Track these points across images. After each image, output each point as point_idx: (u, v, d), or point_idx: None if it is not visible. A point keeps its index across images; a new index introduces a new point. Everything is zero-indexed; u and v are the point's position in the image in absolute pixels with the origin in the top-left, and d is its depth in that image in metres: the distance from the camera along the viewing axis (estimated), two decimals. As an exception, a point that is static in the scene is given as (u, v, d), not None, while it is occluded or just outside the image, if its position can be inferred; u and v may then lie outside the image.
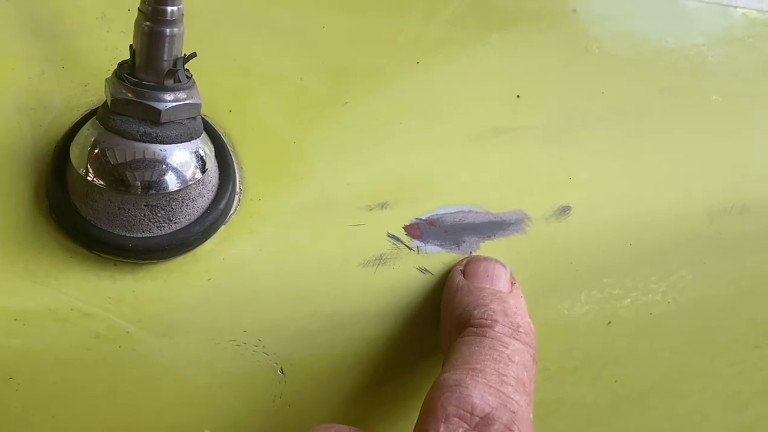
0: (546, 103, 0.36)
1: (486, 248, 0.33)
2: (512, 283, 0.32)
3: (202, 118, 0.32)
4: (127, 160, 0.29)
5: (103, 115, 0.30)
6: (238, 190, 0.32)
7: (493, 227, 0.33)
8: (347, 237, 0.32)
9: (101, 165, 0.29)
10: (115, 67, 0.30)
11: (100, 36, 0.33)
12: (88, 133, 0.30)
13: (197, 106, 0.30)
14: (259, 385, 0.31)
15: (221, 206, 0.31)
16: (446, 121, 0.35)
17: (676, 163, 0.36)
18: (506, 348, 0.29)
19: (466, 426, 0.26)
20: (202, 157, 0.30)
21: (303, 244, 0.32)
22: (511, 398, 0.27)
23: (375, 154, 0.34)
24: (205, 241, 0.31)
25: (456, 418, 0.26)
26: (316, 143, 0.34)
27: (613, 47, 0.38)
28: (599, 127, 0.36)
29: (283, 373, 0.31)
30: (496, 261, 0.32)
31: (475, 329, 0.29)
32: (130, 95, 0.29)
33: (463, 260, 0.32)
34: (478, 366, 0.28)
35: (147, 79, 0.29)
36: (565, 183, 0.35)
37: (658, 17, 0.39)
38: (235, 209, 0.32)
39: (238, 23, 0.35)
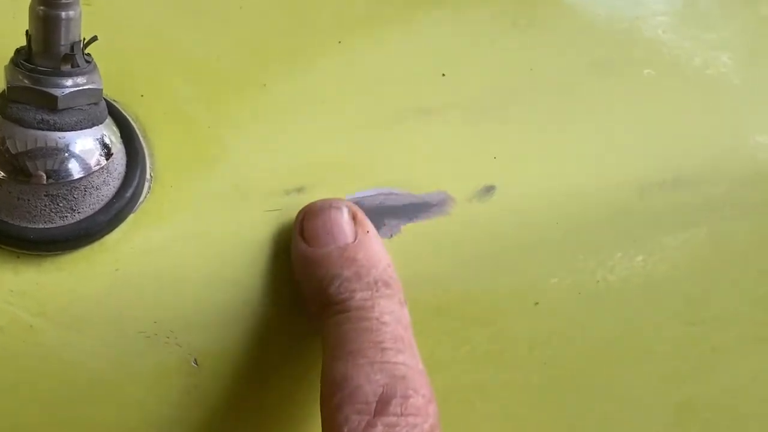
0: (472, 80, 0.35)
1: (408, 231, 0.33)
2: (355, 220, 0.30)
3: (111, 103, 0.31)
4: (27, 148, 0.28)
5: (1, 103, 0.29)
6: (148, 177, 0.31)
7: (415, 209, 0.33)
8: (263, 223, 0.32)
9: (0, 155, 0.28)
10: (16, 54, 0.29)
11: (6, 22, 0.32)
12: (-14, 123, 0.29)
13: (98, 91, 0.29)
14: (173, 377, 0.30)
15: (128, 194, 0.30)
16: (368, 101, 0.34)
17: (606, 138, 0.36)
18: (372, 312, 0.29)
19: (367, 417, 0.26)
20: (106, 144, 0.30)
21: (217, 231, 0.31)
22: (396, 364, 0.27)
23: (293, 137, 0.33)
24: (112, 230, 0.30)
25: (355, 415, 0.26)
26: (232, 127, 0.33)
27: (542, 21, 0.37)
28: (526, 104, 0.35)
29: (197, 364, 0.30)
30: (331, 206, 0.30)
31: (337, 306, 0.29)
32: (26, 82, 0.28)
33: (299, 217, 0.31)
34: (355, 346, 0.28)
35: (43, 65, 0.28)
36: (489, 162, 0.34)
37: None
38: (145, 197, 0.31)
39: (151, 3, 0.34)
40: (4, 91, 0.29)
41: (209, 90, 0.33)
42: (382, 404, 0.26)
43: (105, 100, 0.30)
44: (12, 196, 0.29)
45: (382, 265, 0.30)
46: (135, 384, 0.30)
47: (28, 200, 0.29)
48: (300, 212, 0.31)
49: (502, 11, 0.37)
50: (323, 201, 0.31)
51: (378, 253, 0.30)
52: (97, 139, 0.29)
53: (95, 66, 0.29)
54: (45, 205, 0.29)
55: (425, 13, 0.37)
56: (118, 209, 0.30)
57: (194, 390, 0.30)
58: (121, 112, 0.32)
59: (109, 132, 0.30)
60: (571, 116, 0.35)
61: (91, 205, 0.29)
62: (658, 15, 0.38)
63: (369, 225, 0.31)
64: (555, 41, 0.37)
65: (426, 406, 0.27)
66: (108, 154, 0.29)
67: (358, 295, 0.29)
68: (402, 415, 0.26)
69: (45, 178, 0.29)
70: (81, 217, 0.29)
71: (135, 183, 0.30)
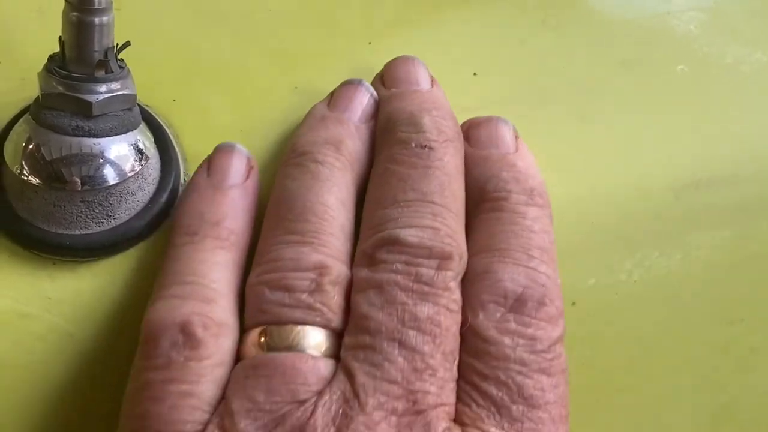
0: (503, 80, 0.35)
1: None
2: (516, 138, 0.32)
3: (143, 108, 0.31)
4: (62, 155, 0.28)
5: (35, 110, 0.29)
6: (182, 182, 0.31)
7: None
8: (297, 226, 0.31)
9: (35, 162, 0.29)
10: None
11: (36, 30, 0.33)
12: (21, 130, 0.29)
13: (132, 96, 0.29)
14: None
15: (163, 199, 0.30)
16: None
17: (641, 137, 0.35)
18: (525, 219, 0.29)
19: (502, 309, 0.27)
20: (141, 149, 0.30)
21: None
22: (539, 272, 0.28)
23: (325, 139, 0.33)
24: (148, 236, 0.30)
25: (492, 304, 0.27)
26: (264, 131, 0.33)
27: (572, 20, 0.37)
28: (559, 103, 0.35)
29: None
30: (498, 119, 0.32)
31: (490, 204, 0.30)
32: (60, 88, 0.28)
33: (465, 125, 0.32)
34: (503, 245, 0.29)
35: (77, 72, 0.28)
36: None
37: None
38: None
39: (180, 9, 0.34)
40: (38, 97, 0.29)
41: (240, 93, 0.33)
42: (520, 303, 0.27)
43: (138, 105, 0.30)
44: (48, 203, 0.29)
45: (539, 179, 0.31)
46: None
47: (64, 207, 0.29)
48: (466, 122, 0.32)
49: (531, 10, 0.37)
50: (491, 116, 0.32)
51: (535, 167, 0.31)
52: (132, 145, 0.29)
53: (129, 72, 0.29)
54: (81, 211, 0.29)
55: (454, 13, 0.36)
56: (153, 214, 0.30)
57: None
58: (153, 117, 0.32)
59: (143, 137, 0.30)
60: (604, 115, 0.35)
61: (126, 210, 0.29)
62: (690, 10, 0.38)
63: (526, 146, 0.32)
64: (586, 40, 0.37)
65: (558, 318, 0.28)
66: (143, 160, 0.29)
67: (513, 197, 0.30)
68: (535, 318, 0.27)
69: (80, 184, 0.29)
70: (117, 223, 0.29)
71: (170, 188, 0.30)
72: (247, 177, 0.30)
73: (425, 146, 0.29)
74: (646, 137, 0.35)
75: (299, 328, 0.27)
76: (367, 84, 0.32)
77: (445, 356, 0.26)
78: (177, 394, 0.26)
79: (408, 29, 0.36)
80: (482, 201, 0.30)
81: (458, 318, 0.27)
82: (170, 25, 0.34)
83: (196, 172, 0.31)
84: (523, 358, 0.27)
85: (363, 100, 0.32)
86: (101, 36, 0.28)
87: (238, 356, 0.27)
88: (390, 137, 0.30)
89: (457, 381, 0.27)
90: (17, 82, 0.32)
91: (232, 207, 0.29)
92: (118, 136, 0.29)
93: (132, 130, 0.29)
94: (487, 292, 0.28)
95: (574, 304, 0.33)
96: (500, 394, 0.26)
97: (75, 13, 0.28)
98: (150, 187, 0.30)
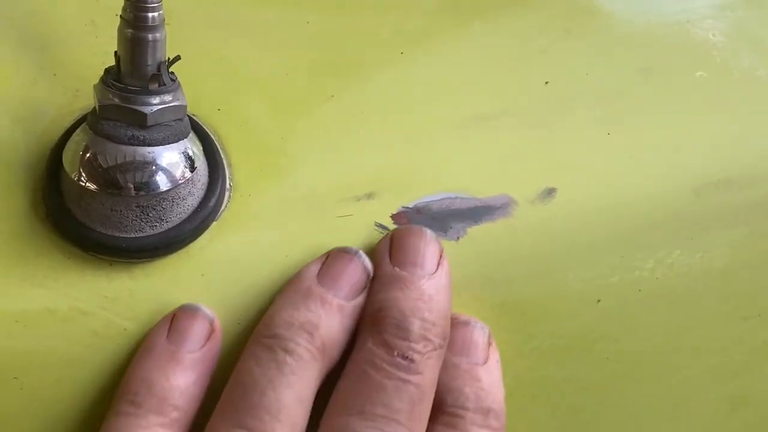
0: (528, 87, 0.37)
1: (474, 233, 0.34)
2: (490, 344, 0.32)
3: (190, 117, 0.33)
4: (118, 163, 0.30)
5: (92, 120, 0.31)
6: (228, 186, 0.33)
7: (479, 212, 0.34)
8: (336, 228, 0.33)
9: (93, 169, 0.30)
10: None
11: (90, 42, 0.34)
12: (79, 139, 0.31)
13: (183, 107, 0.31)
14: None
15: (211, 203, 0.32)
16: (430, 109, 0.36)
17: (661, 139, 0.37)
18: None
19: None
20: (190, 157, 0.31)
21: (293, 237, 0.33)
22: None
23: (361, 145, 0.35)
24: (196, 238, 0.32)
25: None
26: (303, 138, 0.34)
27: (594, 28, 0.39)
28: (581, 109, 0.37)
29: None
30: (475, 325, 0.32)
31: (447, 418, 0.30)
32: (116, 100, 0.30)
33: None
34: None
35: (132, 84, 0.30)
36: (549, 166, 0.35)
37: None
38: (226, 206, 0.33)
39: (223, 23, 0.36)
40: (95, 108, 0.30)
41: (280, 103, 0.35)
42: None
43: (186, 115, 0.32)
44: (105, 208, 0.31)
45: (499, 399, 0.31)
46: (222, 384, 0.31)
47: (120, 211, 0.31)
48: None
49: (554, 19, 0.39)
50: (470, 318, 0.32)
51: (500, 383, 0.32)
52: (182, 153, 0.31)
53: (179, 84, 0.31)
54: (136, 215, 0.31)
55: (482, 23, 0.38)
56: (202, 218, 0.32)
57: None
58: (201, 126, 0.33)
59: (192, 145, 0.32)
60: (625, 119, 0.37)
61: (178, 214, 0.31)
62: (708, 18, 0.40)
63: (497, 356, 0.32)
64: (607, 47, 0.38)
65: None
66: (192, 167, 0.31)
67: (469, 416, 0.30)
68: None
69: (134, 190, 0.30)
70: (169, 226, 0.31)
71: (217, 193, 0.32)
72: (206, 342, 0.30)
73: (407, 357, 0.29)
74: (666, 141, 0.37)
75: None
76: (363, 256, 0.31)
77: None
78: None
79: (437, 39, 0.37)
80: (439, 411, 0.31)
81: None
82: (214, 38, 0.35)
83: (155, 330, 0.30)
84: None
85: (354, 275, 0.31)
86: (154, 51, 0.30)
87: None
88: (375, 335, 0.30)
89: None
90: (72, 93, 0.33)
91: (183, 379, 0.29)
92: (170, 145, 0.31)
93: (183, 139, 0.31)
94: None
95: (599, 301, 0.35)
96: None
97: (130, 30, 0.29)
98: (199, 192, 0.32)
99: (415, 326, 0.30)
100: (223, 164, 0.33)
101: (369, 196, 0.34)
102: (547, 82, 0.37)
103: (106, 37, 0.34)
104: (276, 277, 0.32)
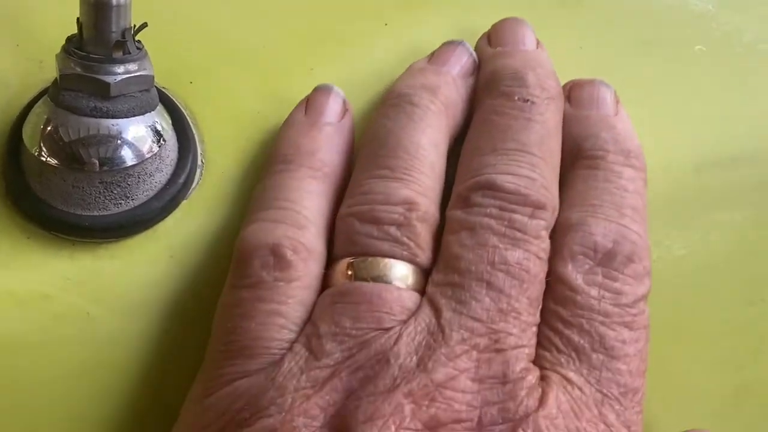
0: (521, 60, 0.35)
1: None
2: (617, 102, 0.32)
3: (161, 90, 0.31)
4: (81, 136, 0.29)
5: (53, 92, 0.29)
6: (199, 163, 0.31)
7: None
8: (315, 207, 0.31)
9: (54, 143, 0.29)
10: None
11: (55, 10, 0.33)
12: (39, 111, 0.29)
13: (149, 77, 0.29)
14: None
15: (181, 180, 0.30)
16: (417, 83, 0.34)
17: (659, 116, 0.35)
18: (620, 178, 0.30)
19: (591, 263, 0.28)
20: (158, 131, 0.30)
21: (269, 216, 0.31)
22: (630, 229, 0.29)
23: (342, 120, 0.33)
24: (165, 217, 0.30)
25: (581, 256, 0.28)
26: (280, 112, 0.33)
27: (591, 0, 0.37)
28: (577, 82, 0.35)
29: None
30: (600, 82, 0.32)
31: (587, 161, 0.30)
32: (78, 70, 0.28)
33: (566, 86, 0.33)
34: (596, 202, 0.29)
35: (95, 53, 0.28)
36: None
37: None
38: (198, 183, 0.31)
39: (198, -8, 0.34)
40: (56, 79, 0.29)
41: (257, 75, 0.33)
42: (608, 258, 0.28)
43: (155, 87, 0.30)
44: (67, 184, 0.29)
45: (636, 143, 0.31)
46: (190, 370, 0.30)
47: (83, 188, 0.29)
48: (568, 83, 0.33)
49: (549, -10, 0.37)
50: (593, 78, 0.33)
51: (633, 131, 0.32)
52: (149, 126, 0.29)
53: (146, 53, 0.29)
54: (99, 192, 0.29)
55: (471, -7, 0.36)
56: (171, 195, 0.30)
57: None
58: (171, 99, 0.32)
59: (160, 119, 0.30)
60: (622, 95, 0.34)
61: (144, 192, 0.30)
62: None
63: (625, 112, 0.32)
64: (604, 20, 0.37)
65: (644, 276, 0.29)
66: (160, 141, 0.29)
67: (611, 157, 0.30)
68: (623, 273, 0.28)
69: (98, 165, 0.29)
70: (135, 204, 0.29)
71: (187, 169, 0.30)
72: (342, 117, 0.31)
73: (528, 100, 0.30)
74: (664, 118, 0.35)
75: (386, 260, 0.28)
76: (468, 45, 0.33)
77: (531, 301, 0.27)
78: (266, 313, 0.27)
79: (424, 9, 0.35)
80: (579, 158, 0.31)
81: (545, 267, 0.28)
82: (187, 6, 0.34)
83: (294, 110, 0.32)
84: (607, 309, 0.28)
85: (462, 57, 0.33)
86: (118, 17, 0.28)
87: (326, 284, 0.28)
88: (493, 90, 0.31)
89: (540, 326, 0.28)
90: (36, 64, 0.32)
91: (326, 142, 0.30)
92: (136, 118, 0.29)
93: (150, 112, 0.29)
94: (578, 243, 0.28)
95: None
96: (582, 341, 0.27)
97: (92, -6, 0.28)
98: (168, 169, 0.30)
99: (530, 76, 0.31)
100: (194, 139, 0.31)
101: (350, 173, 0.32)
102: (539, 55, 0.35)
103: (73, 5, 0.32)
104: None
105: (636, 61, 0.36)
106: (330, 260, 0.29)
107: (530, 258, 0.28)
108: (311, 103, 0.31)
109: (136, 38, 0.29)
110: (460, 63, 0.32)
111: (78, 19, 0.28)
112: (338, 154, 0.31)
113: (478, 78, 0.32)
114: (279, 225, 0.28)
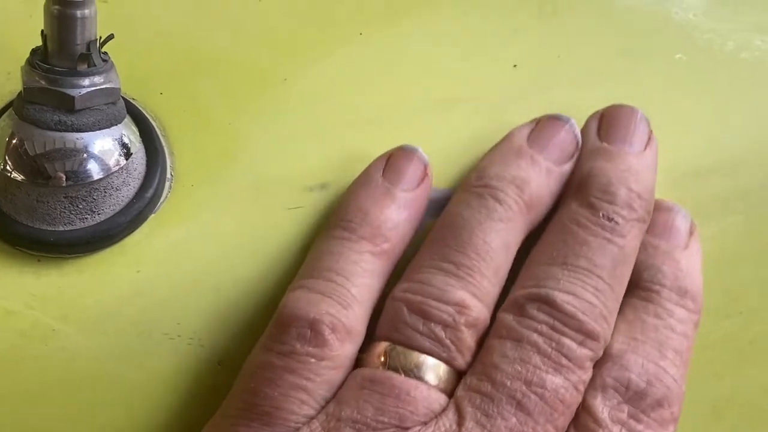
0: (498, 70, 0.35)
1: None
2: (691, 234, 0.31)
3: (129, 101, 0.31)
4: (45, 150, 0.28)
5: (17, 105, 0.29)
6: (168, 176, 0.31)
7: (438, 205, 0.32)
8: (285, 221, 0.31)
9: (18, 157, 0.28)
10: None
11: (23, 21, 0.32)
12: (4, 125, 0.29)
13: (116, 90, 0.29)
14: (197, 378, 0.30)
15: (149, 194, 0.30)
16: (391, 94, 0.34)
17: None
18: (670, 317, 0.29)
19: (620, 398, 0.28)
20: (125, 144, 0.29)
21: (239, 230, 0.31)
22: (668, 372, 0.28)
23: (315, 131, 0.33)
24: (132, 231, 0.30)
25: (612, 390, 0.28)
26: (253, 123, 0.32)
27: (568, 8, 0.36)
28: (554, 92, 0.34)
29: (221, 365, 0.30)
30: (679, 211, 0.32)
31: (642, 292, 0.30)
32: (43, 83, 0.28)
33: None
34: (640, 337, 0.29)
35: (60, 65, 0.28)
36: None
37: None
38: (166, 197, 0.31)
39: (168, 0, 0.34)
40: (20, 92, 0.28)
41: (229, 86, 0.33)
42: (638, 397, 0.28)
43: (123, 98, 0.30)
44: (31, 199, 0.28)
45: (697, 282, 0.31)
46: (158, 386, 0.29)
47: (48, 203, 0.28)
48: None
49: (527, -2, 0.36)
50: (673, 204, 0.32)
51: (698, 267, 0.31)
52: (116, 139, 0.29)
53: (112, 65, 0.29)
54: (65, 207, 0.29)
55: (449, 3, 0.36)
56: (138, 210, 0.29)
57: (219, 391, 0.30)
58: (140, 111, 0.31)
59: (128, 131, 0.29)
60: (601, 104, 0.34)
61: (111, 206, 0.29)
62: (690, -2, 0.37)
63: (698, 245, 0.32)
64: (582, 28, 0.36)
65: (670, 423, 0.28)
66: (127, 154, 0.29)
67: (665, 293, 0.30)
68: (648, 416, 0.28)
69: (64, 179, 0.28)
70: (101, 219, 0.29)
71: (155, 183, 0.30)
72: (420, 184, 0.30)
73: (612, 219, 0.29)
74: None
75: (424, 357, 0.27)
76: (574, 124, 0.32)
77: (556, 430, 0.27)
78: (291, 385, 0.27)
79: (399, 19, 0.35)
80: (635, 287, 0.30)
81: (580, 399, 0.28)
82: (157, 16, 0.33)
83: (372, 168, 0.31)
84: None
85: (564, 141, 0.31)
86: (83, 29, 0.28)
87: (358, 362, 0.28)
88: (580, 197, 0.30)
89: None
90: (3, 77, 0.31)
91: (396, 214, 0.30)
92: (102, 131, 0.29)
93: (116, 124, 0.29)
94: (612, 377, 0.28)
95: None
96: None
97: (57, 6, 0.27)
98: (135, 182, 0.30)
99: (622, 192, 0.30)
100: (163, 152, 0.31)
101: (322, 186, 0.32)
102: (515, 65, 0.34)
103: (41, 17, 0.32)
104: (218, 275, 0.30)
105: (615, 70, 0.36)
106: (370, 335, 0.28)
107: (568, 388, 0.27)
108: (391, 166, 0.30)
109: (103, 50, 0.29)
110: (560, 148, 0.31)
111: (42, 31, 0.28)
112: (405, 229, 0.30)
113: (575, 169, 0.31)
114: (324, 299, 0.28)
